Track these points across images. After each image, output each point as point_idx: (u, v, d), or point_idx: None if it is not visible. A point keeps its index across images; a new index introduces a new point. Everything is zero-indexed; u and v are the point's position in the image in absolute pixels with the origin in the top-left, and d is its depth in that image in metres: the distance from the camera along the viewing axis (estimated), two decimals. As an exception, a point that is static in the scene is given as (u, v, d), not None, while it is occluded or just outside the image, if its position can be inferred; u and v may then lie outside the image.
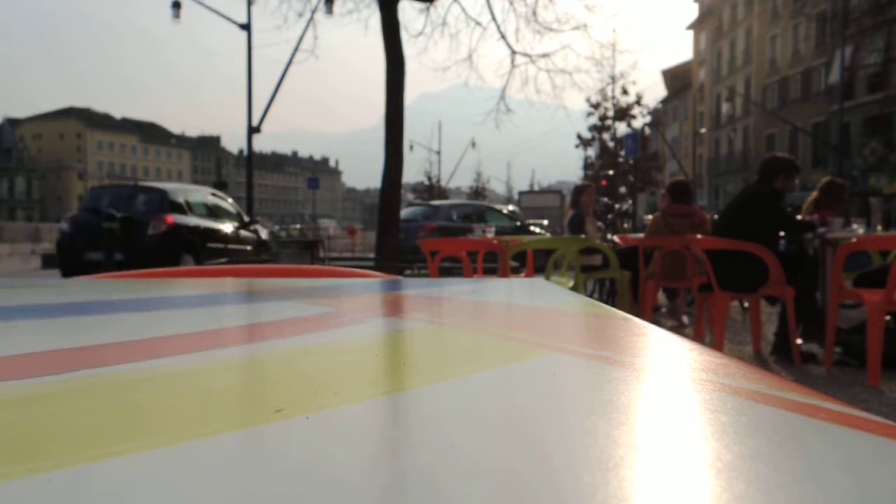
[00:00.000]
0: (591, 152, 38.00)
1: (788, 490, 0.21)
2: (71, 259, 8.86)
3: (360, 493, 0.20)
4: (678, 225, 5.68)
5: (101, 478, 0.22)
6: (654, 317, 6.00)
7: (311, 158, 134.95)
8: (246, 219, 11.29)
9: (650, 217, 9.87)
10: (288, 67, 13.94)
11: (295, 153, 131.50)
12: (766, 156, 4.65)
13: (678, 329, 5.71)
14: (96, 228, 8.44)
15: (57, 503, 0.20)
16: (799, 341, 4.23)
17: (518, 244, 5.05)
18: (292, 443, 0.26)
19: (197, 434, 0.26)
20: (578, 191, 6.53)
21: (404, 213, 12.15)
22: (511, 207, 18.33)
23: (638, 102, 36.26)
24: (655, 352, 0.50)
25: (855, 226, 4.76)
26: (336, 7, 13.65)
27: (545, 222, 18.93)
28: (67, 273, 8.72)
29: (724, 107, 43.08)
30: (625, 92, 36.13)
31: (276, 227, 28.51)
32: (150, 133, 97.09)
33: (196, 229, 9.38)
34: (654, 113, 41.20)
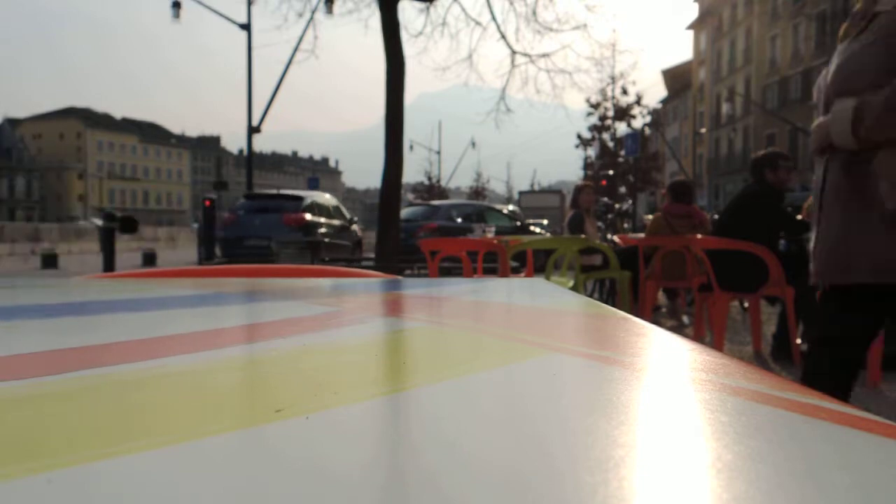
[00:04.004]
0: (591, 152, 38.02)
1: (788, 490, 0.21)
2: (234, 246, 11.35)
3: (360, 493, 0.20)
4: (678, 225, 5.68)
5: (100, 478, 0.22)
6: (654, 317, 6.00)
7: (311, 158, 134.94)
8: (349, 218, 13.57)
9: (650, 217, 9.87)
10: (288, 67, 13.96)
11: (295, 153, 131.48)
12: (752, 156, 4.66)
13: (678, 329, 5.72)
14: (252, 224, 11.15)
15: (57, 503, 0.20)
16: (799, 341, 4.23)
17: (518, 244, 5.04)
18: (292, 443, 0.26)
19: (197, 434, 0.26)
20: (578, 191, 6.54)
21: (404, 213, 12.14)
22: (511, 207, 18.33)
23: (638, 102, 36.27)
24: (655, 352, 0.50)
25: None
26: (336, 7, 13.66)
27: (545, 222, 18.93)
28: (232, 255, 11.24)
29: (724, 107, 43.06)
30: (625, 92, 36.13)
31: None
32: (150, 133, 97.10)
33: (318, 225, 11.87)
34: (654, 113, 41.20)
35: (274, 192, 13.41)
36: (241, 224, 11.58)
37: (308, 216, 11.67)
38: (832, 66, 1.96)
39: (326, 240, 11.72)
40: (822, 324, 2.06)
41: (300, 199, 12.20)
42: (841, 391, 1.95)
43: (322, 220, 12.19)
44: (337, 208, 13.41)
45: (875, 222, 1.82)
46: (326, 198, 13.29)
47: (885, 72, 1.77)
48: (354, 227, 13.63)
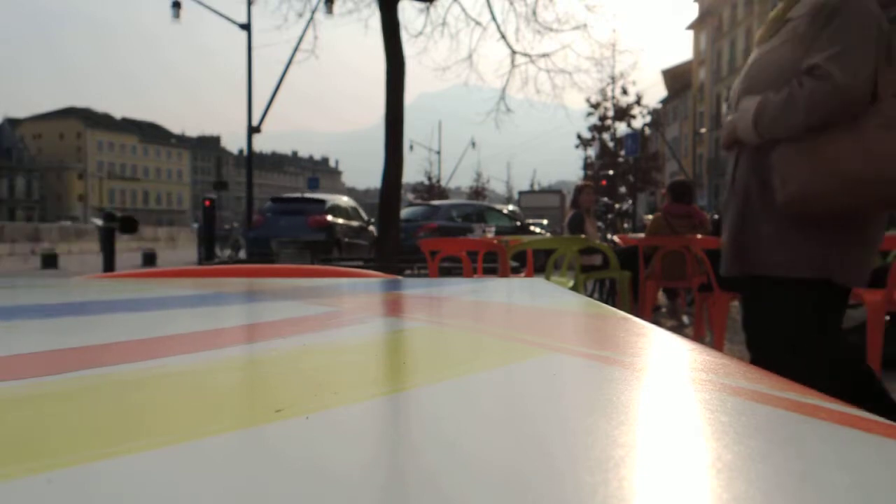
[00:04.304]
0: (591, 152, 38.00)
1: (788, 490, 0.21)
2: (262, 245, 12.04)
3: (360, 493, 0.20)
4: (678, 225, 5.68)
5: (101, 478, 0.22)
6: (654, 317, 6.00)
7: (311, 158, 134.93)
8: (366, 219, 14.29)
9: (650, 217, 9.87)
10: (288, 67, 13.96)
11: (295, 153, 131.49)
12: None
13: (678, 329, 5.72)
14: (279, 225, 12.21)
15: (57, 503, 0.20)
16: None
17: (518, 244, 5.04)
18: (292, 443, 0.26)
19: (197, 434, 0.26)
20: (578, 191, 6.54)
21: (404, 213, 12.15)
22: (511, 207, 18.33)
23: (638, 102, 36.25)
24: (655, 352, 0.50)
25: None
26: (336, 7, 13.66)
27: (545, 222, 18.92)
28: (258, 255, 12.16)
29: (724, 107, 43.03)
30: (625, 92, 36.12)
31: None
32: (150, 133, 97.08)
33: (339, 225, 12.80)
34: (654, 113, 41.19)
35: (298, 195, 14.45)
36: (268, 225, 12.55)
37: (330, 218, 12.62)
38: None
39: (346, 240, 12.83)
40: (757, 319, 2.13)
41: (323, 202, 13.14)
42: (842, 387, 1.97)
43: (341, 221, 13.06)
44: (355, 210, 14.13)
45: (773, 214, 1.91)
46: (345, 200, 14.11)
47: (789, 72, 1.85)
48: (371, 227, 14.19)
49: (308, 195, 14.44)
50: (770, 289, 1.98)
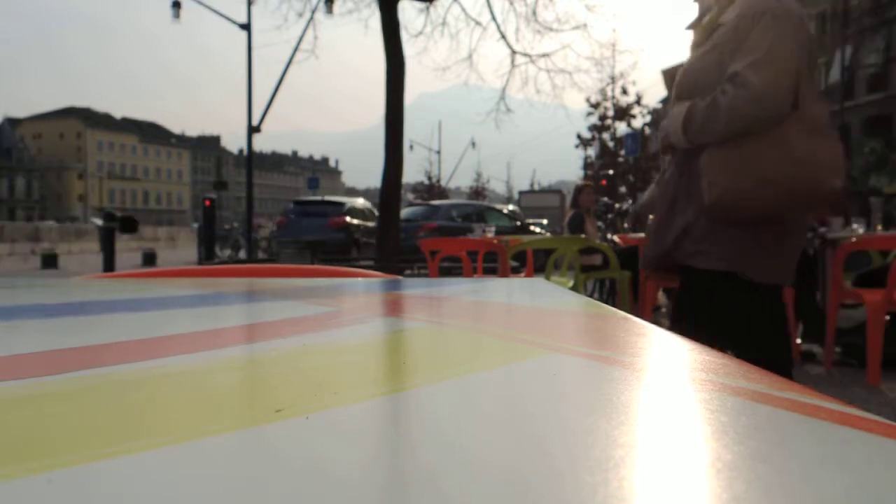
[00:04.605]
0: (591, 152, 37.97)
1: (788, 490, 0.21)
2: (287, 243, 13.21)
3: (360, 493, 0.20)
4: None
5: (101, 478, 0.22)
6: (654, 317, 6.00)
7: (311, 158, 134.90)
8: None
9: (651, 217, 9.82)
10: (288, 67, 13.95)
11: (295, 153, 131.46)
12: None
13: (678, 329, 5.70)
14: (301, 226, 13.09)
15: (57, 503, 0.20)
16: (799, 341, 4.23)
17: (518, 244, 5.04)
18: (292, 443, 0.26)
19: (197, 434, 0.26)
20: (578, 190, 6.54)
21: (404, 213, 12.16)
22: (511, 207, 18.32)
23: (638, 102, 36.24)
24: (655, 352, 0.50)
25: (855, 226, 4.76)
26: (336, 7, 13.66)
27: (545, 222, 18.91)
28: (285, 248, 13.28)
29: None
30: (625, 92, 36.11)
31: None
32: (150, 133, 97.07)
33: (356, 226, 13.62)
34: (654, 113, 41.14)
35: (318, 198, 15.55)
36: (291, 225, 13.59)
37: (348, 219, 13.52)
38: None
39: (363, 239, 13.67)
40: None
41: (342, 204, 14.23)
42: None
43: (357, 221, 13.87)
44: (370, 211, 14.73)
45: (693, 211, 1.98)
46: (360, 203, 15.17)
47: (716, 78, 1.89)
48: None
49: (328, 198, 15.34)
50: (685, 276, 2.09)
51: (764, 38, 1.80)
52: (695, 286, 2.06)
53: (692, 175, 1.96)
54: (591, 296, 5.62)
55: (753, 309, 2.01)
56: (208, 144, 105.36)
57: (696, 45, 2.08)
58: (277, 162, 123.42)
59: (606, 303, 3.43)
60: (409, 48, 15.55)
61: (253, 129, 14.95)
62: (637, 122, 37.01)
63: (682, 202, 2.01)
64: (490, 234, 5.73)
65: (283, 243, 13.47)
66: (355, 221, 13.93)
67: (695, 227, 1.98)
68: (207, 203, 16.35)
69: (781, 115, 1.80)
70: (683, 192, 2.01)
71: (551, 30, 12.86)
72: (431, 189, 44.49)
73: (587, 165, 38.44)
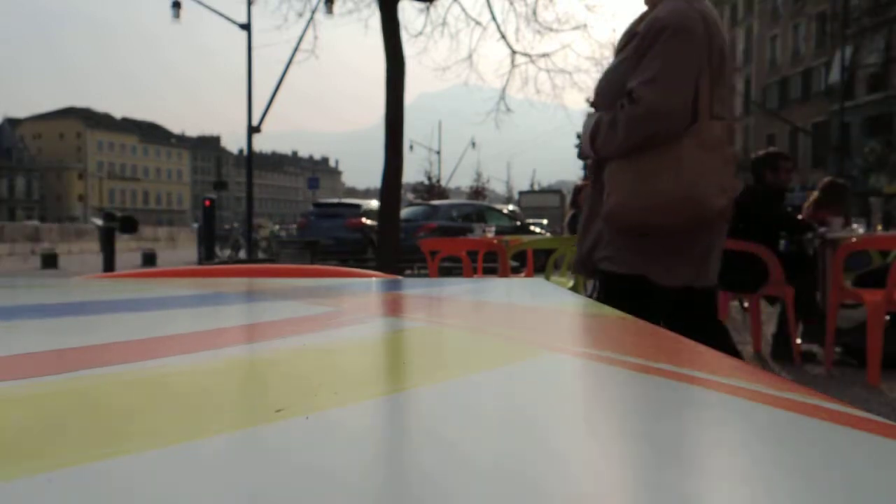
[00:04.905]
0: (591, 152, 37.91)
1: (788, 490, 0.21)
2: (307, 243, 13.72)
3: (360, 493, 0.20)
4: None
5: (100, 478, 0.22)
6: (654, 317, 5.99)
7: (311, 158, 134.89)
8: None
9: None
10: (288, 67, 13.95)
11: (295, 153, 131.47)
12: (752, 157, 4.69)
13: (678, 329, 5.70)
14: (322, 226, 13.76)
15: (57, 503, 0.20)
16: (799, 341, 4.23)
17: (518, 244, 5.05)
18: (292, 443, 0.26)
19: (197, 434, 0.26)
20: (578, 190, 6.54)
21: (404, 213, 12.16)
22: (511, 207, 18.32)
23: (638, 102, 36.18)
24: (655, 352, 0.50)
25: (855, 226, 4.77)
26: (336, 7, 13.66)
27: (545, 222, 18.92)
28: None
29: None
30: (625, 92, 36.05)
31: (276, 227, 28.55)
32: (150, 133, 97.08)
33: (372, 228, 13.59)
34: (654, 113, 41.06)
35: (336, 201, 16.31)
36: (312, 227, 14.33)
37: (364, 220, 13.96)
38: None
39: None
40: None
41: (358, 206, 14.80)
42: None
43: (372, 223, 14.39)
44: None
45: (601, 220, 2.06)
46: (375, 204, 16.18)
47: (623, 89, 1.92)
48: None
49: (346, 200, 16.26)
50: (601, 279, 2.16)
51: (662, 55, 1.83)
52: (609, 289, 2.12)
53: (600, 184, 2.05)
54: (591, 296, 5.62)
55: (663, 310, 2.06)
56: (208, 144, 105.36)
57: (617, 52, 2.11)
58: (277, 162, 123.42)
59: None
60: (409, 48, 15.59)
61: (253, 129, 14.95)
62: (637, 123, 36.94)
63: (597, 209, 2.08)
64: (490, 234, 5.73)
65: (305, 243, 14.17)
66: (371, 222, 14.51)
67: (605, 233, 2.06)
68: (207, 203, 16.36)
69: (676, 131, 1.83)
70: (598, 199, 2.09)
71: (551, 30, 12.86)
72: (431, 189, 44.46)
73: (587, 166, 38.38)
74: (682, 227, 1.94)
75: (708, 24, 1.86)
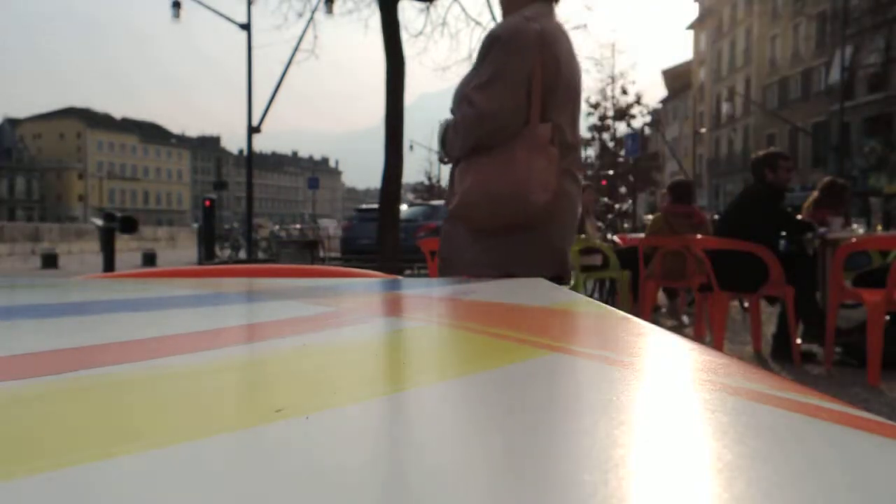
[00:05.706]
0: (591, 152, 37.97)
1: (788, 490, 0.21)
2: (351, 244, 15.27)
3: (360, 493, 0.20)
4: (679, 225, 5.69)
5: (100, 478, 0.22)
6: (654, 317, 6.00)
7: (311, 158, 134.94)
8: None
9: (650, 217, 9.86)
10: (288, 67, 13.94)
11: (295, 153, 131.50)
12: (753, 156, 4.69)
13: (678, 329, 5.72)
14: (365, 229, 14.20)
15: (57, 503, 0.20)
16: (799, 341, 4.23)
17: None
18: (292, 443, 0.26)
19: (197, 434, 0.26)
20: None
21: (404, 213, 12.17)
22: (511, 207, 18.35)
23: (638, 102, 36.24)
24: (655, 352, 0.50)
25: (855, 226, 4.77)
26: (336, 7, 13.65)
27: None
28: (348, 252, 15.47)
29: (724, 107, 43.00)
30: (624, 92, 36.11)
31: (276, 227, 28.56)
32: (150, 133, 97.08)
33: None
34: (654, 113, 41.16)
35: (376, 206, 17.01)
36: (355, 229, 15.55)
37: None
38: None
39: None
40: None
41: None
42: None
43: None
44: None
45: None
46: (404, 208, 16.97)
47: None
48: None
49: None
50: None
51: (495, 61, 1.95)
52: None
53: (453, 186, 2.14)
54: (590, 296, 5.62)
55: None
56: (208, 144, 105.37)
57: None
58: (277, 162, 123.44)
59: (606, 303, 3.43)
60: (409, 48, 15.58)
61: (253, 130, 14.95)
62: (637, 123, 37.02)
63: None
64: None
65: (347, 242, 15.81)
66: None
67: (462, 236, 2.12)
68: (207, 203, 16.38)
69: (508, 132, 1.94)
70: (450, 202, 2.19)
71: (551, 30, 12.83)
72: (431, 189, 44.47)
73: (587, 166, 38.44)
74: (509, 223, 2.04)
75: (543, 37, 1.99)
